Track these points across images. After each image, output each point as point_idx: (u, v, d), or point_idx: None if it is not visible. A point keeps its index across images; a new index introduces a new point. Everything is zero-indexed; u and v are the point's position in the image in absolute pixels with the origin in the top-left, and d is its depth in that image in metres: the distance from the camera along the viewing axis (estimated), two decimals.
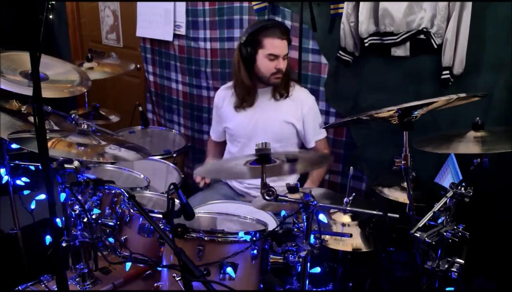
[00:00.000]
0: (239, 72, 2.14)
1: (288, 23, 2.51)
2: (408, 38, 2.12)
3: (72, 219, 1.59)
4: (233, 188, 2.34)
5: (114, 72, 2.72)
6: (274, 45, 2.05)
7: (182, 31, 3.01)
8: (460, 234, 1.30)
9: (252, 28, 2.09)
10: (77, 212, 1.57)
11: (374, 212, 1.51)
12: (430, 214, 1.32)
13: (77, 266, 1.65)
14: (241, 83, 2.16)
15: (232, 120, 2.27)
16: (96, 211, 1.61)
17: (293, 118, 2.19)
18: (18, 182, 2.12)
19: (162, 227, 1.52)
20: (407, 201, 1.52)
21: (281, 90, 2.18)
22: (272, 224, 1.78)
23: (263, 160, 1.37)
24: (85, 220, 1.57)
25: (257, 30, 2.06)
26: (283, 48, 2.08)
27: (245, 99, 2.19)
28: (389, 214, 1.47)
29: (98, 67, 2.70)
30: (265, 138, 2.16)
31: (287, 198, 1.46)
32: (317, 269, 1.65)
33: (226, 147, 2.41)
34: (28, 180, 2.17)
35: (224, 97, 2.30)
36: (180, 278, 1.39)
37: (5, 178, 2.05)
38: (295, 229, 1.52)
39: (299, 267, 1.49)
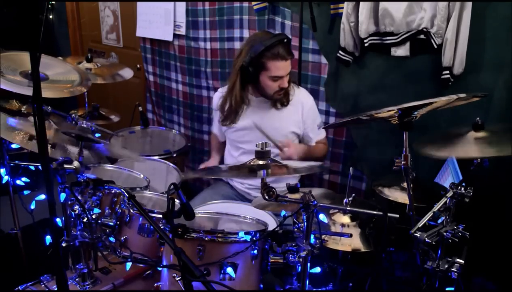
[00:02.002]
0: (233, 90, 2.11)
1: (288, 23, 2.51)
2: (408, 38, 2.12)
3: (72, 219, 1.59)
4: (234, 188, 2.34)
5: (107, 77, 2.68)
6: (278, 67, 2.00)
7: (182, 31, 3.01)
8: (460, 234, 1.30)
9: (254, 50, 1.98)
10: (77, 212, 1.57)
11: (374, 212, 1.51)
12: (430, 214, 1.32)
13: (77, 266, 1.65)
14: (235, 98, 2.12)
15: (232, 127, 2.24)
16: (96, 211, 1.61)
17: (295, 126, 2.18)
18: (18, 182, 2.12)
19: (162, 227, 1.52)
20: (407, 201, 1.52)
21: (282, 100, 2.15)
22: (272, 224, 1.78)
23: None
24: (85, 220, 1.57)
25: (260, 53, 1.97)
26: (287, 68, 2.04)
27: (230, 116, 2.17)
28: (389, 214, 1.47)
29: (96, 70, 2.68)
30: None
31: (287, 198, 1.46)
32: (317, 269, 1.65)
33: (226, 148, 2.40)
34: (28, 180, 2.18)
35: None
36: (180, 278, 1.39)
37: (5, 178, 2.05)
38: (295, 229, 1.53)
39: (299, 267, 1.49)
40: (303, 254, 1.46)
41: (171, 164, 2.42)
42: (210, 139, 2.61)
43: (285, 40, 2.01)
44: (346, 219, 1.81)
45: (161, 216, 1.28)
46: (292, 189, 1.53)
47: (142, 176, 2.16)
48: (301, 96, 2.21)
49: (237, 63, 2.06)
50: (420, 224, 1.28)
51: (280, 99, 2.15)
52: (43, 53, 1.07)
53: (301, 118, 2.18)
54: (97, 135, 1.90)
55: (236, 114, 2.17)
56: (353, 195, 1.72)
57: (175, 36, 3.07)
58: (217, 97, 2.31)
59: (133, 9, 3.30)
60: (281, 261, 1.52)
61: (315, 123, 2.23)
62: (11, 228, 2.20)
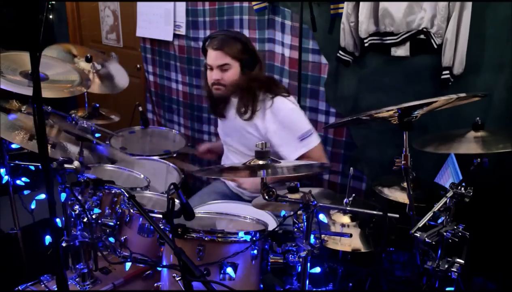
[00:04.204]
0: (203, 81, 2.17)
1: (288, 23, 2.51)
2: (408, 38, 2.12)
3: (72, 219, 1.59)
4: (229, 187, 2.34)
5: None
6: (208, 54, 2.03)
7: (182, 31, 3.01)
8: (460, 234, 1.30)
9: (205, 39, 2.09)
10: (77, 212, 1.57)
11: (374, 212, 1.51)
12: (430, 214, 1.32)
13: (77, 266, 1.65)
14: (207, 94, 2.17)
15: (218, 126, 2.33)
16: (96, 211, 1.61)
17: (259, 134, 2.06)
18: (18, 182, 2.12)
19: (162, 227, 1.52)
20: (407, 201, 1.52)
21: (241, 108, 2.04)
22: (272, 224, 1.78)
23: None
24: (85, 220, 1.57)
25: (204, 41, 2.08)
26: (215, 58, 2.00)
27: (213, 109, 2.19)
28: (389, 214, 1.47)
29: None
30: (240, 147, 2.15)
31: (287, 198, 1.46)
32: (317, 269, 1.65)
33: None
34: (28, 180, 2.17)
35: None
36: (180, 278, 1.39)
37: (5, 178, 2.05)
38: (295, 229, 1.52)
39: (299, 267, 1.49)
40: (303, 254, 1.45)
41: (171, 164, 2.42)
42: None
43: (222, 36, 2.01)
44: (346, 219, 1.81)
45: (161, 216, 1.28)
46: (292, 189, 1.53)
47: (142, 176, 2.16)
48: (272, 108, 2.01)
49: None
50: (420, 224, 1.28)
51: (239, 107, 2.04)
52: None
53: (261, 135, 2.03)
54: (97, 135, 1.90)
55: (217, 109, 2.18)
56: (353, 194, 1.72)
57: (175, 36, 3.07)
58: None
59: (133, 9, 3.30)
60: (281, 261, 1.52)
61: (290, 137, 1.99)
62: (11, 228, 2.20)
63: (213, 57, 2.01)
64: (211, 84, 2.06)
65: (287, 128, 2.00)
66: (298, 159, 1.99)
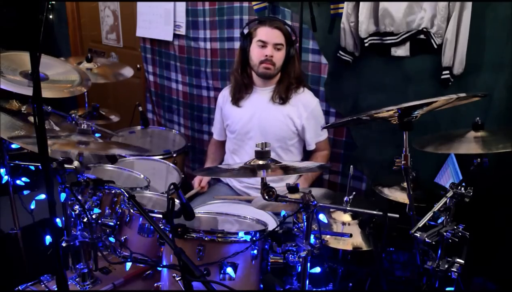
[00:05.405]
0: (235, 64, 2.24)
1: (288, 23, 2.51)
2: (408, 38, 2.12)
3: (72, 219, 1.59)
4: (233, 188, 2.35)
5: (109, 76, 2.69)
6: (263, 32, 2.11)
7: (182, 31, 3.01)
8: (460, 234, 1.30)
9: (248, 23, 2.24)
10: (77, 212, 1.57)
11: (374, 212, 1.51)
12: (430, 214, 1.32)
13: (77, 266, 1.66)
14: (235, 76, 2.24)
15: (231, 117, 2.31)
16: (96, 211, 1.61)
17: (291, 120, 2.20)
18: (18, 182, 2.12)
19: (162, 227, 1.52)
20: (407, 201, 1.52)
21: (281, 94, 2.18)
22: (272, 224, 1.79)
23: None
24: (85, 220, 1.57)
25: (253, 21, 2.20)
26: (273, 36, 2.10)
27: (236, 93, 2.25)
28: (389, 214, 1.47)
29: (97, 69, 2.68)
30: (262, 136, 2.18)
31: (287, 198, 1.46)
32: (317, 269, 1.65)
33: (226, 144, 2.42)
34: (28, 180, 2.17)
35: (227, 96, 2.33)
36: (180, 278, 1.39)
37: (5, 178, 2.05)
38: (295, 229, 1.52)
39: (299, 267, 1.49)
40: (303, 254, 1.45)
41: (171, 164, 2.42)
42: (209, 143, 2.66)
43: (279, 20, 2.21)
44: (347, 217, 1.81)
45: (161, 216, 1.28)
46: (292, 189, 1.53)
47: (142, 176, 2.16)
48: (303, 98, 2.21)
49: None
50: (420, 224, 1.28)
51: (279, 93, 2.17)
52: (43, 53, 1.07)
53: (299, 122, 2.20)
54: (97, 135, 1.90)
55: (239, 94, 2.25)
56: (354, 193, 1.72)
57: (175, 36, 3.07)
58: (223, 93, 2.40)
59: (133, 9, 3.30)
60: (281, 261, 1.52)
61: (316, 127, 2.25)
62: (11, 228, 2.20)
63: (272, 34, 2.10)
64: (260, 61, 2.12)
65: (315, 118, 2.24)
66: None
